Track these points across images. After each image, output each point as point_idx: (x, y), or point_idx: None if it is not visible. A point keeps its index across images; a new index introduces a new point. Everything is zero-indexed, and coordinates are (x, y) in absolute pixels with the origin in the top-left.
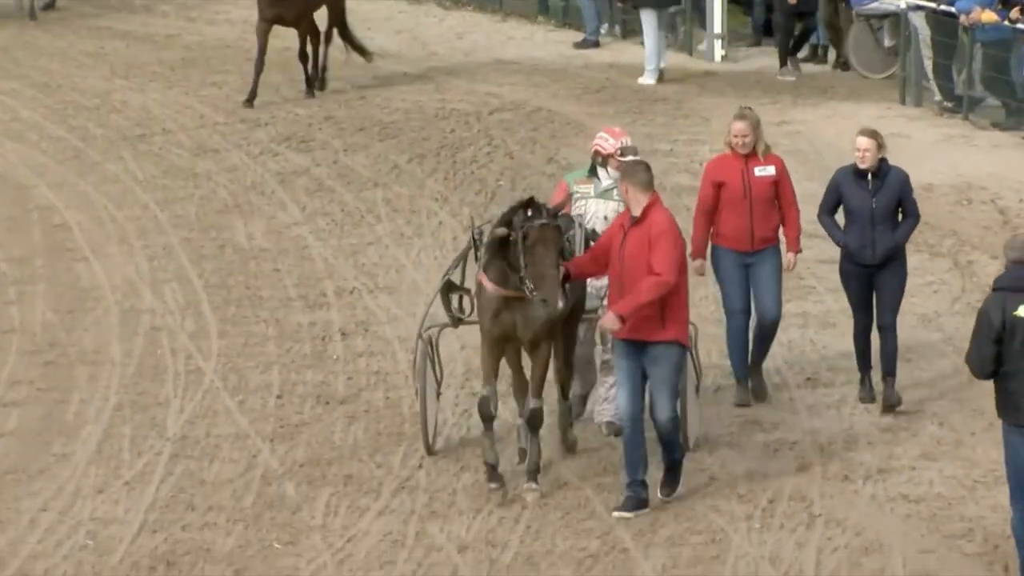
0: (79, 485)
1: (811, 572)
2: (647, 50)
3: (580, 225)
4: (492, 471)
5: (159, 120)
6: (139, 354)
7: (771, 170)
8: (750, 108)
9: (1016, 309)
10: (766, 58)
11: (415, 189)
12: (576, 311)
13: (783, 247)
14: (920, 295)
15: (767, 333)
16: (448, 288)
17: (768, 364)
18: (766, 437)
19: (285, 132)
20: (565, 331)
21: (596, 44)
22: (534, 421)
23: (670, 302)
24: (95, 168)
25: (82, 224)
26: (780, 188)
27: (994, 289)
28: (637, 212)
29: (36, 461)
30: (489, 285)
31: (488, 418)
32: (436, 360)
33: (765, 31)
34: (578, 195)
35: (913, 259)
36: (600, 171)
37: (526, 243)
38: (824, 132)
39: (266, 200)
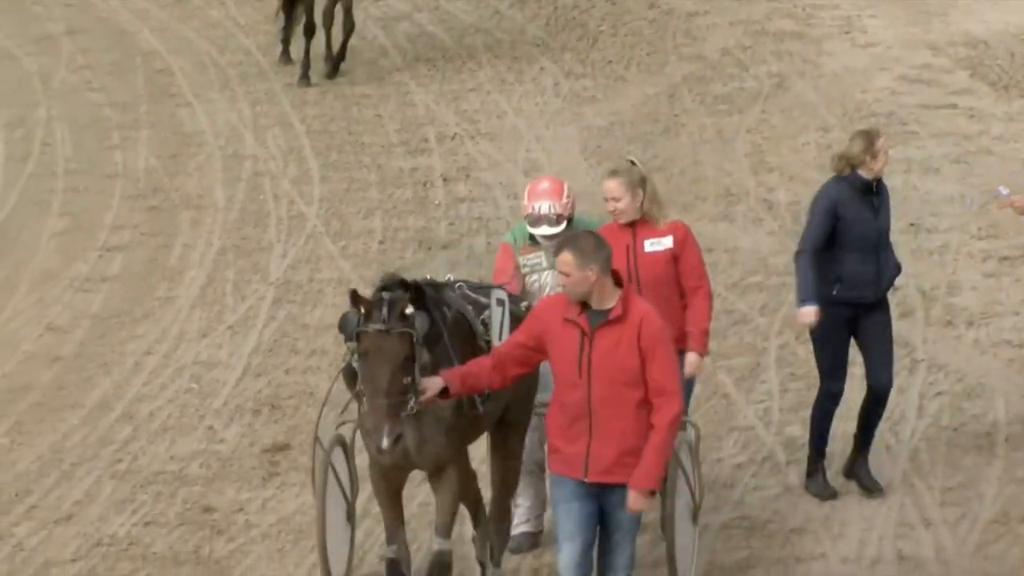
0: (183, 329)
1: (913, 416)
2: None
3: (501, 303)
4: None
5: None
6: (242, 199)
7: (667, 242)
8: (633, 161)
9: None
10: None
11: (516, 35)
12: (517, 417)
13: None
14: None
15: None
16: (352, 375)
17: None
18: None
19: None
20: (501, 447)
21: None
22: (439, 570)
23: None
24: (197, 13)
25: (184, 69)
26: (680, 266)
27: None
28: (608, 304)
29: (140, 305)
30: None
31: None
32: (351, 467)
33: None
34: (527, 269)
35: (969, 100)
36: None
37: (359, 353)
38: None
39: (367, 45)
